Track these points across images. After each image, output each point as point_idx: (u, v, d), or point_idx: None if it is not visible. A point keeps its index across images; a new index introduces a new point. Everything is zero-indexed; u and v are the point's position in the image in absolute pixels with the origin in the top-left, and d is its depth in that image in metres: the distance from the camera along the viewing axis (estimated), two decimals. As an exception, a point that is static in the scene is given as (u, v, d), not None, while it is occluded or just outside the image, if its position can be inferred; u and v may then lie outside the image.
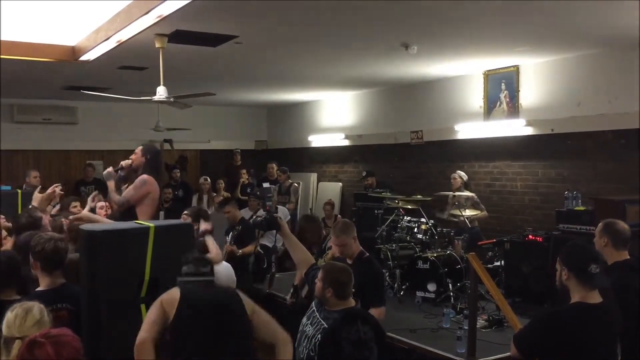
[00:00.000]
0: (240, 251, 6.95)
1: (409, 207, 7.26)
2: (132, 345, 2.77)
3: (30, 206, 4.84)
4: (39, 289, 3.25)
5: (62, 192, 5.56)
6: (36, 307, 2.47)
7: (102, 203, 6.18)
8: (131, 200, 5.32)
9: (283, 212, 8.75)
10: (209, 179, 10.29)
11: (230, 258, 6.38)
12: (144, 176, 5.41)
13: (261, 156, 12.43)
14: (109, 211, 6.00)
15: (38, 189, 5.37)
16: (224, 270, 4.84)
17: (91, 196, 5.62)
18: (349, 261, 4.27)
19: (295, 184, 10.20)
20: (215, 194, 10.12)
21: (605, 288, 3.17)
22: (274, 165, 10.32)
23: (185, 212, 5.17)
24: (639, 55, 6.27)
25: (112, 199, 5.39)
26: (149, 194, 5.36)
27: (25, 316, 2.41)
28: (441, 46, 6.45)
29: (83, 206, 6.72)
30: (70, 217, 4.97)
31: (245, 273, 7.12)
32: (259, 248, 7.43)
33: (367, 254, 4.35)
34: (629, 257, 3.75)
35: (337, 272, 3.54)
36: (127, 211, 5.27)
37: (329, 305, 3.50)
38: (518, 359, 3.23)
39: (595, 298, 3.07)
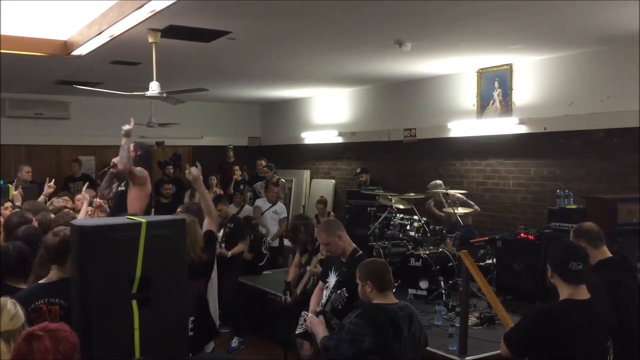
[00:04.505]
0: (229, 253, 6.86)
1: (401, 207, 7.26)
2: (124, 342, 2.74)
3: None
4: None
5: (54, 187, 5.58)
6: (9, 302, 2.45)
7: (79, 195, 6.37)
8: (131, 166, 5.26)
9: (280, 209, 8.75)
10: None
11: (220, 259, 6.27)
12: (145, 171, 5.44)
13: (254, 153, 12.40)
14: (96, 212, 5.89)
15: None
16: None
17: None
18: (343, 259, 4.27)
19: (282, 180, 10.16)
20: (207, 191, 10.07)
21: (594, 285, 3.19)
22: (263, 162, 10.30)
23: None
24: (638, 54, 6.28)
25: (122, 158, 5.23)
26: (144, 185, 5.38)
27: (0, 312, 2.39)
28: (435, 44, 6.45)
29: (72, 201, 6.75)
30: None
31: (236, 272, 7.09)
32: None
33: (360, 252, 4.34)
34: (611, 254, 3.77)
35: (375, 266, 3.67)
36: (119, 204, 5.26)
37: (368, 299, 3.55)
38: (509, 358, 3.25)
39: (583, 294, 3.09)
